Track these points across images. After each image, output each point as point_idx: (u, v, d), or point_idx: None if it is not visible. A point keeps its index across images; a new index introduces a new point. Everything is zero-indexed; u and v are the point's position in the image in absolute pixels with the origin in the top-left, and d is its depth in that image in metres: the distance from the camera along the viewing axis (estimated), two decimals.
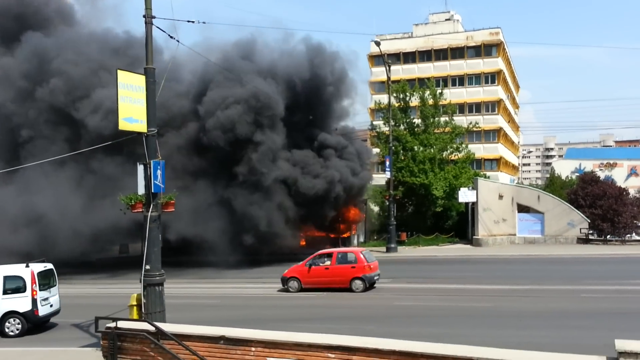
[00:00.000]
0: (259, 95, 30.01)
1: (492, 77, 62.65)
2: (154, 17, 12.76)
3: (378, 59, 61.83)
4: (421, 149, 41.75)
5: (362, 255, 21.50)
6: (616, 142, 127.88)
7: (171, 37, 13.58)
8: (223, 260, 29.18)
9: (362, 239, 43.17)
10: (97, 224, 26.79)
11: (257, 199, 30.40)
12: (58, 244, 26.48)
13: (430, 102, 43.06)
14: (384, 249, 36.95)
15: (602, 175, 48.43)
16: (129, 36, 33.27)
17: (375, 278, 21.77)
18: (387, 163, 37.40)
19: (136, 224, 25.59)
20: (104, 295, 23.69)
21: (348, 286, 21.05)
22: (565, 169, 73.52)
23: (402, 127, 43.27)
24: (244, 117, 29.82)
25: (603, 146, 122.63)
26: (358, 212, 40.22)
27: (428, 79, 53.81)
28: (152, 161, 12.29)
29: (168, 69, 14.50)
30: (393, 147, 39.09)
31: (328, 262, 21.80)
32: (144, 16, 12.60)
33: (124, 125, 12.17)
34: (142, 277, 12.33)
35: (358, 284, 21.00)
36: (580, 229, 37.13)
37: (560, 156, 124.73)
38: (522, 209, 38.95)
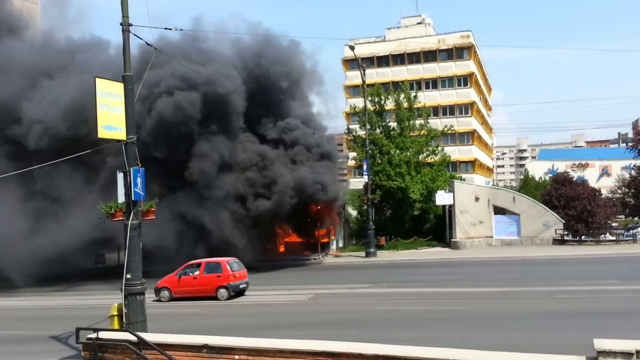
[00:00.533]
0: (215, 83, 28.21)
1: (464, 80, 63.50)
2: (131, 25, 12.66)
3: (352, 63, 62.26)
4: (397, 152, 42.05)
5: (227, 265, 22.44)
6: (587, 142, 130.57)
7: (148, 44, 13.48)
8: None
9: (341, 244, 43.28)
10: (48, 244, 26.08)
11: (209, 207, 29.42)
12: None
13: (405, 105, 43.44)
14: (363, 253, 37.11)
15: (574, 175, 49.37)
16: (70, 41, 32.40)
17: (242, 286, 22.75)
18: (365, 167, 37.55)
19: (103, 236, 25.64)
20: (81, 307, 23.30)
21: (214, 295, 22.09)
22: (538, 170, 75.05)
23: (378, 130, 43.57)
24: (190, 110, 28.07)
25: (574, 147, 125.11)
26: (335, 217, 40.26)
27: (402, 82, 54.37)
28: (132, 169, 12.19)
29: (145, 76, 14.38)
30: (370, 151, 39.27)
31: (197, 272, 22.63)
32: (121, 24, 12.49)
33: (103, 133, 12.05)
34: (123, 287, 12.20)
35: (222, 292, 22.07)
36: (556, 229, 37.79)
37: (533, 157, 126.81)
38: (498, 210, 39.50)
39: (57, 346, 14.49)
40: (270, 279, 28.94)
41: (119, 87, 12.40)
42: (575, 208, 37.64)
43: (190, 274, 22.62)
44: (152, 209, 12.82)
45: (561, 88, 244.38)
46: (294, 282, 27.10)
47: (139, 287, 12.35)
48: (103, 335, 10.76)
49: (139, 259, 12.43)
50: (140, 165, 12.60)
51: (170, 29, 14.43)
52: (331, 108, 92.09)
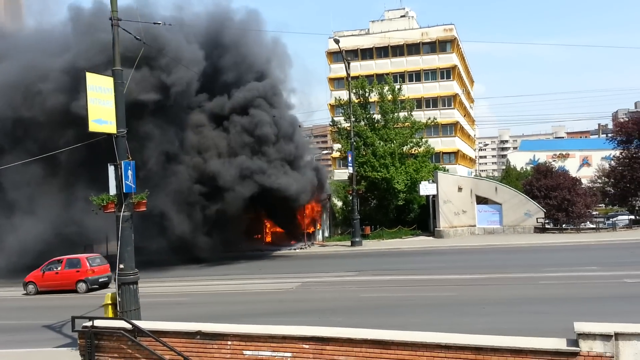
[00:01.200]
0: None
1: (447, 73, 64.09)
2: (120, 20, 12.79)
3: (336, 56, 62.50)
4: (381, 144, 42.46)
5: (87, 261, 24.49)
6: (568, 133, 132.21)
7: (137, 38, 13.63)
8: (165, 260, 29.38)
9: (326, 234, 43.71)
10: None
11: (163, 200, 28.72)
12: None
13: (389, 97, 43.82)
14: (348, 243, 37.53)
15: (555, 165, 50.14)
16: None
17: (101, 280, 24.65)
18: (349, 158, 37.91)
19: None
20: (71, 297, 23.43)
21: (74, 288, 24.05)
22: (520, 160, 75.87)
23: (362, 122, 43.91)
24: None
25: (555, 138, 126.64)
26: (318, 208, 40.65)
27: (386, 74, 54.76)
28: (122, 162, 12.38)
29: (134, 66, 14.52)
30: (354, 143, 39.63)
31: (59, 268, 24.50)
32: (111, 19, 12.62)
33: (94, 127, 12.21)
34: (116, 276, 12.43)
35: (81, 285, 24.09)
36: (537, 218, 38.47)
37: (514, 148, 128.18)
38: (481, 200, 40.11)
39: (52, 335, 14.69)
40: (258, 267, 29.25)
41: (109, 81, 12.55)
42: (556, 198, 38.33)
43: (54, 269, 24.48)
44: (144, 201, 13.02)
45: (542, 80, 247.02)
46: (282, 270, 27.42)
47: (131, 276, 12.59)
48: (98, 323, 10.99)
49: (131, 250, 12.66)
50: (130, 158, 12.78)
51: (159, 24, 14.53)
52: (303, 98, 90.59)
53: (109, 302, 12.67)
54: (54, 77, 27.31)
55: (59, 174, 28.73)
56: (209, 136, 31.06)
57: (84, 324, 10.82)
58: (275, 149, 31.63)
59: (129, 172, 12.47)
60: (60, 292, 24.03)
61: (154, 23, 14.38)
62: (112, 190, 12.47)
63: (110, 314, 12.49)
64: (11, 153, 27.10)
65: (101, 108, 12.27)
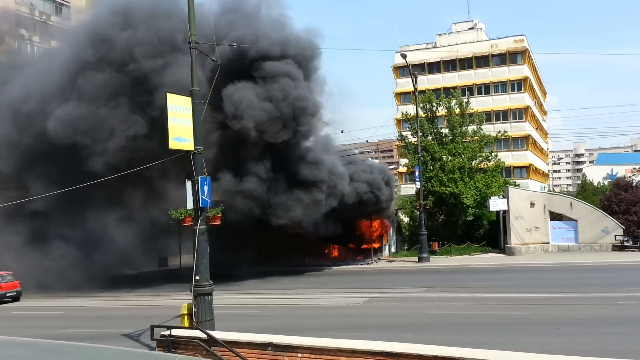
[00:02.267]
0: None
1: (518, 85, 62.56)
2: (198, 43, 13.49)
3: (402, 70, 62.41)
4: (450, 158, 41.92)
5: None
6: None
7: (213, 60, 14.29)
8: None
9: (393, 249, 43.46)
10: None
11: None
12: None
13: (457, 111, 43.24)
14: (415, 258, 37.16)
15: (635, 180, 47.74)
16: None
17: (9, 294, 26.99)
18: (417, 173, 37.64)
19: None
20: (148, 307, 24.47)
21: None
22: (596, 175, 72.59)
23: (429, 137, 43.53)
24: None
25: (634, 151, 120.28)
26: (384, 223, 40.58)
27: (454, 88, 54.07)
28: (199, 177, 12.99)
29: (211, 90, 15.22)
30: (421, 157, 39.34)
31: None
32: (189, 42, 13.34)
33: (173, 144, 12.93)
34: (192, 287, 12.98)
35: None
36: (615, 235, 36.75)
37: (591, 162, 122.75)
38: (555, 216, 38.75)
39: (130, 343, 15.40)
40: (325, 282, 29.48)
41: (187, 101, 13.25)
42: (637, 213, 36.55)
43: None
44: (218, 215, 13.59)
45: (620, 91, 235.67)
46: (348, 285, 27.50)
47: (207, 287, 13.12)
48: (175, 332, 11.54)
49: (206, 262, 13.20)
50: (206, 173, 13.39)
51: (234, 45, 15.16)
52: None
53: (185, 312, 13.24)
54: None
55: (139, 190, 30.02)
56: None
57: (162, 333, 11.38)
58: None
59: (205, 187, 13.05)
60: None
61: (229, 45, 14.99)
62: (190, 205, 13.09)
63: (186, 324, 13.03)
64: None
65: (180, 126, 12.96)
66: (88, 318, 22.54)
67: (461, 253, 39.46)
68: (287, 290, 27.05)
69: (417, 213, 38.47)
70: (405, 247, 44.39)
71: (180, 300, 15.47)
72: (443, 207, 43.02)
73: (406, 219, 45.64)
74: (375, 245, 40.23)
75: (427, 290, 23.92)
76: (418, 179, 37.47)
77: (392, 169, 76.50)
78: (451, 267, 33.80)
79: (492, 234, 42.56)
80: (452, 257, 38.59)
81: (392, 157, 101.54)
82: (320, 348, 10.36)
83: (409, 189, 53.80)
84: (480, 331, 15.27)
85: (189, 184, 12.99)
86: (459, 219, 42.44)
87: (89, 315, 23.68)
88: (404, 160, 48.73)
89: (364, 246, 39.58)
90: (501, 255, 38.27)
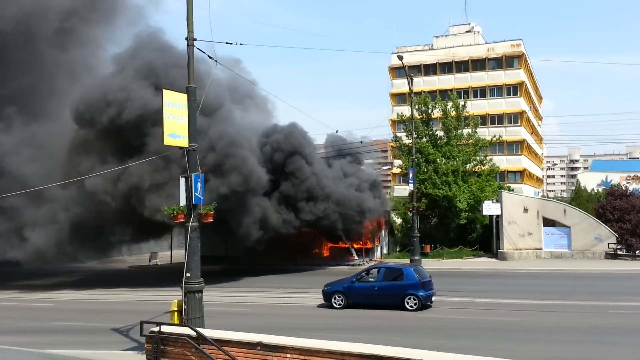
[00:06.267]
0: None
1: (514, 89, 62.73)
2: (195, 40, 13.39)
3: (398, 71, 62.42)
4: (444, 161, 41.89)
5: None
6: None
7: (210, 57, 14.21)
8: None
9: (385, 251, 43.43)
10: None
11: None
12: None
13: (453, 114, 43.22)
14: (407, 260, 37.06)
15: (630, 188, 47.83)
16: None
17: None
18: (410, 175, 37.45)
19: None
20: (136, 302, 24.37)
21: None
22: (591, 181, 72.78)
23: (424, 139, 43.47)
24: None
25: (630, 158, 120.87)
26: (377, 224, 40.53)
27: (450, 90, 54.11)
28: (192, 174, 12.90)
29: (208, 87, 15.11)
30: (415, 159, 39.26)
31: None
32: (186, 38, 13.25)
33: (168, 140, 12.83)
34: (183, 284, 12.90)
35: None
36: (609, 243, 36.80)
37: (585, 168, 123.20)
38: (548, 222, 38.79)
39: (119, 338, 15.35)
40: (316, 282, 29.36)
41: (183, 97, 13.16)
42: (630, 221, 36.61)
43: None
44: (211, 212, 13.50)
45: (616, 98, 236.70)
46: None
47: (197, 285, 13.05)
48: (165, 329, 11.44)
49: (197, 259, 13.12)
50: (200, 171, 13.30)
51: (231, 44, 15.08)
52: None
53: (175, 308, 13.15)
54: None
55: None
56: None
57: (152, 329, 11.28)
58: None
59: (199, 184, 12.97)
60: None
61: (227, 43, 14.91)
62: (182, 201, 13.00)
63: (176, 321, 12.95)
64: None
65: (175, 123, 12.87)
66: (76, 311, 22.42)
67: (453, 257, 39.45)
68: (278, 288, 27.05)
69: (410, 215, 38.40)
70: (397, 249, 44.34)
71: (171, 296, 15.36)
72: (436, 210, 42.99)
73: (399, 221, 45.61)
74: (368, 245, 40.19)
75: None
76: (412, 181, 37.33)
77: (387, 169, 76.59)
78: (443, 270, 33.67)
79: (485, 238, 42.59)
80: (444, 260, 38.59)
81: (386, 157, 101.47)
82: (310, 349, 10.30)
83: (402, 190, 53.83)
84: (470, 336, 15.26)
85: (182, 180, 12.91)
86: (451, 222, 42.43)
87: (80, 308, 23.56)
88: (398, 162, 48.64)
89: (356, 245, 39.49)
90: (493, 260, 38.30)
